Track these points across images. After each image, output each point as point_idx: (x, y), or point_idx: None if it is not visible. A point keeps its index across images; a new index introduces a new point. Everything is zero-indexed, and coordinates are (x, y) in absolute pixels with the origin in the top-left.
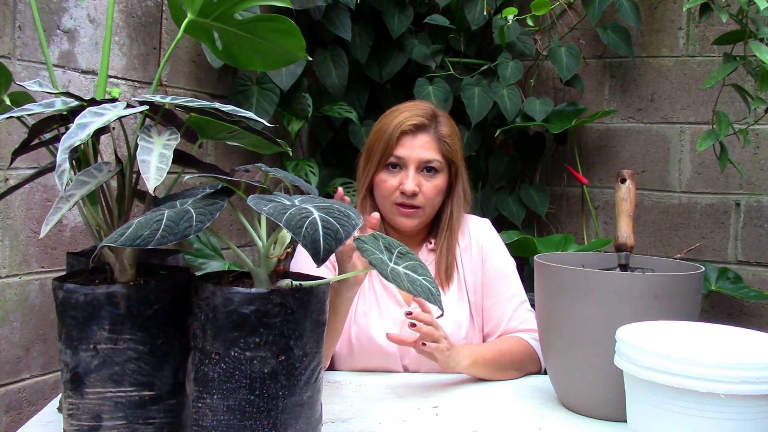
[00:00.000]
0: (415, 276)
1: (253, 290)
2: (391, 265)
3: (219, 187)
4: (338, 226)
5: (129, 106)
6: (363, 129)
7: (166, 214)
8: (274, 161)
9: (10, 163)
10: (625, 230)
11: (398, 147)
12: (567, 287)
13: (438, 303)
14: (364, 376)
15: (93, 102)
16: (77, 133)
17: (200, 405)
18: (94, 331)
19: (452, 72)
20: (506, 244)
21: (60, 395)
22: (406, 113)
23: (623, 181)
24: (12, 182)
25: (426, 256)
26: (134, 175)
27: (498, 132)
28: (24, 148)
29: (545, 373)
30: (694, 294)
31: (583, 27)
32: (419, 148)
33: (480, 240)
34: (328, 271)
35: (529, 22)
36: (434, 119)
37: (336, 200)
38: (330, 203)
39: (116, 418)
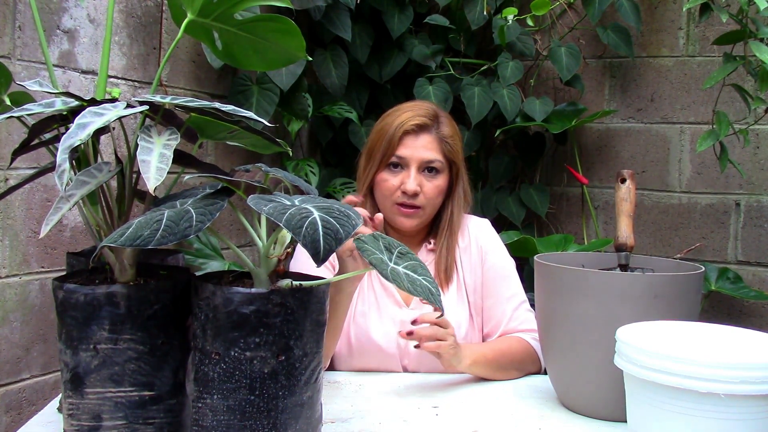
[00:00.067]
0: (415, 276)
1: (253, 290)
2: (391, 265)
3: (219, 187)
4: (338, 226)
5: (129, 106)
6: (363, 129)
7: (166, 214)
8: (274, 161)
9: (10, 163)
10: (625, 230)
11: (400, 147)
12: (567, 287)
13: (438, 303)
14: (364, 376)
15: (93, 102)
16: (77, 133)
17: (200, 405)
18: (94, 331)
19: (452, 72)
20: (506, 245)
21: (60, 395)
22: (409, 113)
23: (623, 181)
24: (12, 182)
25: (425, 256)
26: (134, 175)
27: (498, 132)
28: (24, 148)
29: (545, 373)
30: (694, 294)
31: (583, 27)
32: (421, 148)
33: (479, 240)
34: (327, 271)
35: (529, 22)
36: (436, 120)
37: (335, 201)
38: (330, 203)
39: (116, 418)
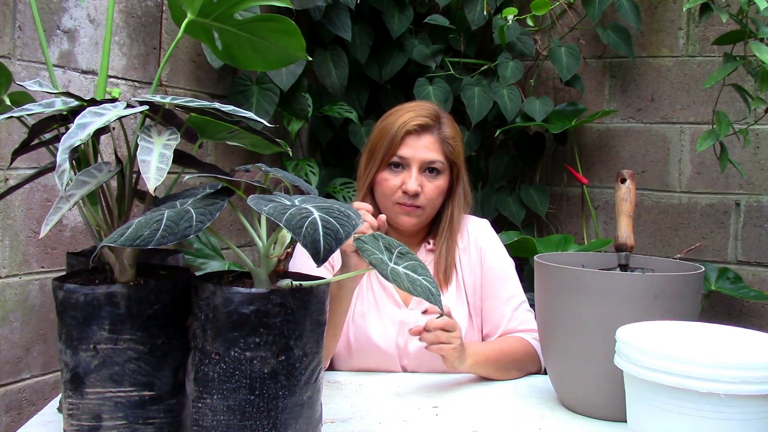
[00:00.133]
0: (415, 276)
1: (253, 290)
2: (391, 265)
3: (219, 187)
4: (338, 226)
5: (129, 106)
6: (363, 129)
7: (166, 214)
8: (274, 161)
9: (10, 163)
10: (625, 230)
11: (402, 147)
12: (567, 287)
13: (438, 303)
14: (364, 376)
15: (93, 102)
16: (77, 133)
17: (200, 405)
18: (94, 331)
19: (452, 72)
20: (506, 245)
21: (60, 395)
22: (411, 113)
23: (623, 181)
24: (12, 182)
25: (424, 256)
26: (134, 175)
27: (498, 132)
28: (24, 148)
29: (545, 373)
30: (694, 294)
31: (583, 27)
32: (423, 148)
33: (479, 241)
34: (327, 271)
35: (529, 22)
36: (438, 120)
37: (335, 201)
38: (330, 203)
39: (116, 418)
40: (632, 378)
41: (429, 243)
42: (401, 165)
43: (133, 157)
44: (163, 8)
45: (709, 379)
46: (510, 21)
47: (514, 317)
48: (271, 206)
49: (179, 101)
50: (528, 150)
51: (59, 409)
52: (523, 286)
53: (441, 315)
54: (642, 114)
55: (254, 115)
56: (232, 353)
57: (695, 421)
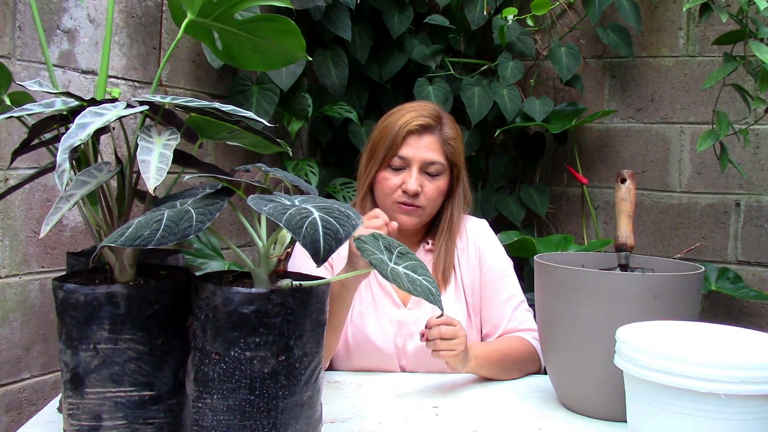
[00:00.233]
0: (415, 276)
1: (253, 290)
2: (391, 265)
3: (219, 187)
4: (338, 226)
5: (129, 106)
6: (363, 129)
7: (166, 214)
8: (274, 161)
9: (10, 163)
10: (625, 230)
11: (403, 146)
12: (567, 287)
13: (438, 303)
14: (364, 376)
15: (93, 102)
16: (77, 133)
17: (200, 405)
18: (94, 331)
19: (452, 72)
20: (506, 245)
21: (60, 395)
22: (413, 113)
23: (623, 181)
24: (12, 182)
25: (423, 256)
26: (134, 175)
27: (498, 132)
28: (24, 148)
29: (545, 373)
30: (694, 294)
31: (583, 27)
32: (424, 148)
33: (477, 241)
34: (327, 271)
35: (529, 22)
36: (439, 121)
37: (335, 201)
38: (330, 203)
39: (116, 418)
40: (632, 378)
41: (428, 243)
42: (402, 165)
43: (133, 157)
44: (163, 8)
45: (709, 379)
46: (510, 21)
47: (514, 317)
48: (271, 206)
49: (179, 101)
50: (528, 150)
51: (59, 409)
52: (523, 286)
53: (441, 314)
54: (642, 114)
55: (254, 115)
56: (232, 353)
57: (695, 421)
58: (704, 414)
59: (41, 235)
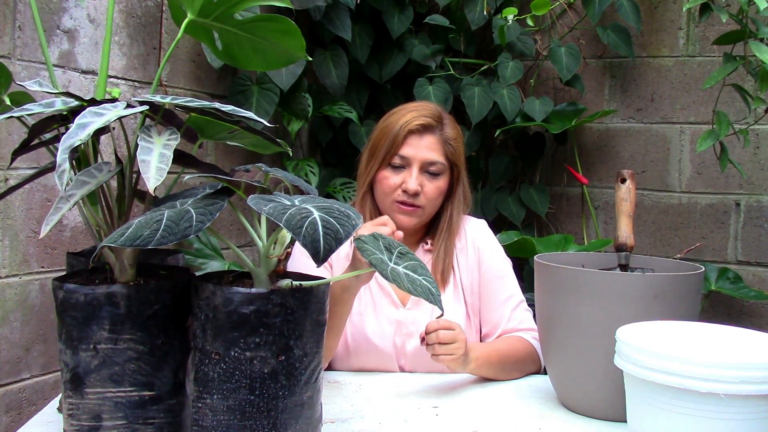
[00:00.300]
0: (415, 276)
1: (253, 290)
2: (391, 265)
3: (219, 187)
4: (338, 226)
5: (129, 106)
6: (363, 129)
7: (166, 214)
8: (274, 161)
9: (10, 163)
10: (625, 230)
11: (404, 146)
12: (567, 287)
13: (438, 303)
14: (364, 376)
15: (93, 102)
16: (77, 133)
17: (200, 405)
18: (94, 331)
19: (452, 72)
20: (506, 245)
21: (60, 395)
22: (414, 113)
23: (623, 181)
24: (12, 182)
25: (422, 256)
26: (134, 175)
27: (498, 132)
28: (24, 148)
29: (545, 373)
30: (694, 294)
31: (583, 27)
32: (424, 148)
33: (476, 241)
34: (326, 272)
35: (529, 22)
36: (440, 121)
37: (335, 201)
38: (330, 203)
39: (116, 418)
40: (632, 378)
41: (427, 243)
42: (402, 164)
43: (133, 157)
44: (163, 8)
45: (709, 379)
46: (510, 21)
47: (513, 317)
48: (271, 206)
49: (179, 101)
50: (528, 150)
51: (59, 409)
52: (522, 286)
53: (441, 314)
54: (642, 114)
55: (254, 115)
56: (232, 353)
57: (695, 421)
58: (704, 414)
59: (41, 235)
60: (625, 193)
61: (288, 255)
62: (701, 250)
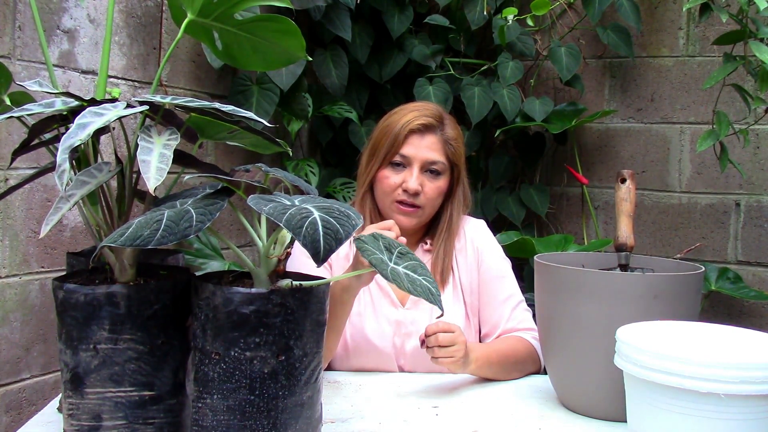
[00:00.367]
0: (415, 276)
1: (253, 290)
2: (391, 265)
3: (219, 187)
4: (338, 226)
5: (129, 106)
6: (363, 129)
7: (166, 214)
8: (274, 161)
9: (10, 163)
10: (625, 230)
11: (405, 145)
12: (567, 287)
13: (438, 303)
14: (364, 376)
15: (93, 102)
16: (77, 133)
17: (200, 405)
18: (94, 331)
19: (452, 72)
20: (505, 245)
21: (60, 395)
22: (415, 113)
23: (623, 181)
24: (12, 182)
25: (421, 256)
26: (134, 175)
27: (498, 132)
28: (24, 148)
29: (545, 373)
30: (694, 294)
31: (583, 27)
32: (425, 148)
33: (475, 241)
34: (326, 272)
35: (529, 22)
36: (441, 121)
37: (335, 201)
38: (330, 203)
39: (116, 418)
40: (632, 378)
41: (426, 243)
42: (403, 163)
43: (133, 157)
44: (163, 8)
45: (709, 379)
46: (510, 21)
47: (513, 317)
48: (271, 206)
49: (179, 101)
50: (528, 150)
51: (59, 409)
52: (522, 287)
53: (441, 314)
54: (642, 114)
55: (254, 115)
56: (232, 353)
57: (695, 421)
58: (704, 414)
59: (41, 235)
60: (625, 193)
61: (288, 255)
62: (701, 250)
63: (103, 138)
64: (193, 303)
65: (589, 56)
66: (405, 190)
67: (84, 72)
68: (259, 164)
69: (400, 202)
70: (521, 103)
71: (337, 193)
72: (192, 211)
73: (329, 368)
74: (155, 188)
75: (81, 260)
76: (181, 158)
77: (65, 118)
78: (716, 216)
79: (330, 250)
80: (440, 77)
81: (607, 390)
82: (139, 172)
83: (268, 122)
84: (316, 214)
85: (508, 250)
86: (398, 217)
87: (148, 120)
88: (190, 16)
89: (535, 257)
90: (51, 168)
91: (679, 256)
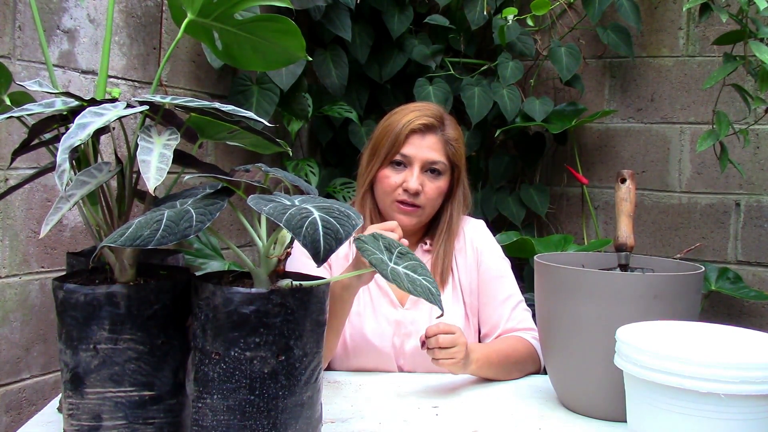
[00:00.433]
0: (415, 276)
1: (253, 290)
2: (391, 265)
3: (219, 187)
4: (338, 226)
5: (129, 106)
6: (363, 129)
7: (166, 214)
8: (274, 161)
9: (10, 163)
10: (625, 230)
11: (406, 145)
12: (567, 287)
13: (438, 303)
14: (364, 376)
15: (93, 102)
16: (77, 133)
17: (200, 405)
18: (94, 331)
19: (452, 72)
20: (505, 245)
21: (60, 395)
22: (416, 113)
23: (623, 181)
24: (12, 182)
25: (421, 256)
26: (134, 175)
27: (498, 132)
28: (24, 148)
29: (545, 372)
30: (694, 294)
31: (583, 27)
32: (426, 148)
33: (475, 242)
34: (326, 272)
35: (529, 22)
36: (442, 122)
37: (335, 201)
38: (330, 203)
39: (116, 418)
40: (632, 378)
41: (426, 243)
42: (403, 163)
43: (133, 157)
44: (163, 8)
45: (709, 379)
46: (510, 21)
47: (512, 317)
48: (271, 206)
49: (179, 101)
50: (528, 150)
51: (59, 409)
52: (522, 287)
53: (441, 314)
54: (642, 114)
55: (254, 115)
56: (232, 353)
57: (695, 421)
58: (704, 414)
59: (41, 235)
60: (625, 193)
61: (288, 255)
62: (701, 250)
63: (103, 138)
64: (193, 303)
65: (589, 56)
66: (405, 190)
67: (84, 72)
68: (259, 164)
69: (401, 202)
70: (521, 103)
71: (337, 193)
72: (192, 211)
73: (329, 368)
74: (155, 188)
75: (81, 260)
76: (181, 158)
77: (65, 118)
78: (716, 216)
79: (330, 250)
80: (440, 77)
81: (607, 390)
82: (139, 172)
83: (268, 122)
84: (316, 214)
85: (508, 250)
86: (398, 216)
87: (148, 120)
88: (190, 16)
89: (535, 257)
90: (51, 168)
91: (679, 256)
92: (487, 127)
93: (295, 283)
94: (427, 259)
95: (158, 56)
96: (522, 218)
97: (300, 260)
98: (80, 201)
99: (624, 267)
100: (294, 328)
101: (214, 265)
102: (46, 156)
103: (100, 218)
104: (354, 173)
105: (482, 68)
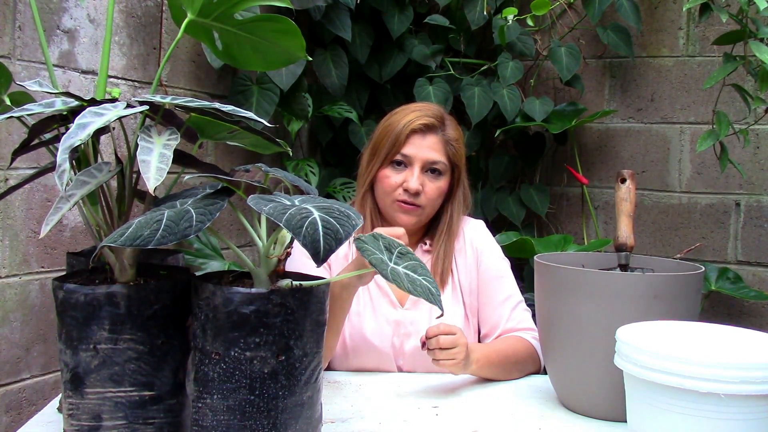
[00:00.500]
0: (415, 276)
1: (253, 290)
2: (391, 265)
3: (219, 187)
4: (338, 226)
5: (129, 106)
6: (363, 129)
7: (166, 214)
8: (274, 161)
9: (10, 163)
10: (625, 230)
11: (407, 145)
12: (567, 287)
13: (438, 303)
14: (364, 376)
15: (93, 102)
16: (77, 133)
17: (200, 405)
18: (94, 331)
19: (452, 72)
20: (505, 245)
21: (60, 395)
22: (417, 113)
23: (623, 181)
24: (12, 182)
25: (421, 256)
26: (134, 175)
27: (498, 132)
28: (24, 148)
29: (545, 372)
30: (694, 294)
31: (583, 27)
32: (426, 148)
33: (474, 242)
34: (325, 272)
35: (529, 22)
36: (442, 122)
37: (335, 201)
38: (330, 203)
39: (116, 418)
40: (632, 378)
41: (426, 243)
42: (404, 163)
43: (133, 157)
44: (163, 8)
45: (709, 379)
46: (510, 21)
47: (512, 317)
48: (271, 206)
49: (179, 101)
50: (528, 150)
51: (59, 409)
52: (522, 287)
53: (442, 314)
54: (642, 114)
55: (254, 115)
56: (232, 353)
57: (695, 421)
58: (704, 414)
59: (41, 235)
60: (625, 193)
61: (288, 255)
62: (701, 250)
63: (103, 138)
64: (193, 303)
65: (589, 56)
66: (406, 190)
67: (84, 72)
68: (259, 164)
69: (401, 202)
70: (521, 103)
71: (337, 193)
72: (192, 211)
73: (329, 368)
74: (155, 188)
75: (81, 260)
76: (181, 158)
77: (65, 118)
78: (716, 216)
79: (330, 250)
80: (440, 77)
81: (607, 390)
82: (139, 172)
83: (268, 122)
84: (316, 214)
85: (508, 250)
86: (399, 215)
87: (148, 120)
88: (190, 16)
89: (534, 257)
90: (51, 168)
91: (679, 256)
92: (487, 127)
93: (295, 283)
94: (427, 260)
95: (158, 56)
96: (522, 218)
97: (300, 260)
98: (80, 201)
99: (624, 267)
100: (294, 328)
101: (214, 265)
102: (46, 156)
103: (100, 218)
104: (354, 173)
105: (482, 68)
